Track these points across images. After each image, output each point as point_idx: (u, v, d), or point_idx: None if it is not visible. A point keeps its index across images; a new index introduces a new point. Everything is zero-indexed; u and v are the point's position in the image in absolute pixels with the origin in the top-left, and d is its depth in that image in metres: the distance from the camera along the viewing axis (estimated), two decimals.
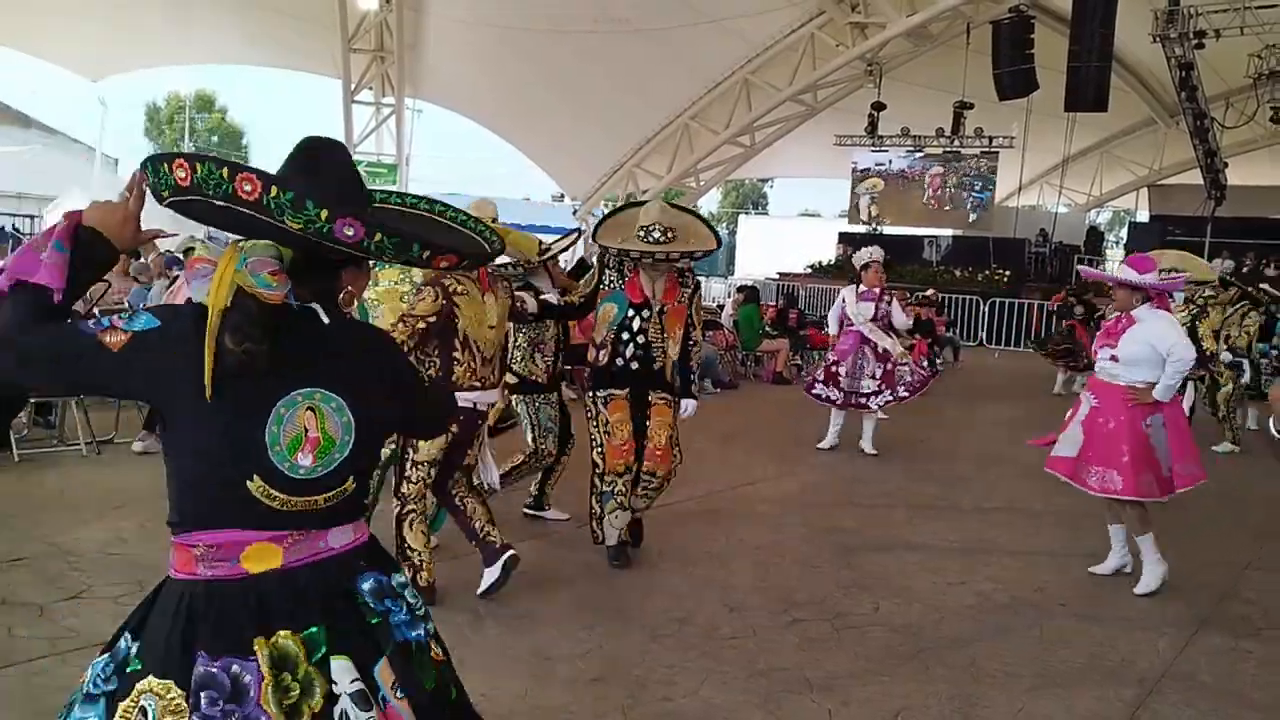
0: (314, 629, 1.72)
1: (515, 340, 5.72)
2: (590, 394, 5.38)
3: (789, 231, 38.02)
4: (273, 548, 1.74)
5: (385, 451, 4.82)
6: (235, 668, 1.67)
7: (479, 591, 4.63)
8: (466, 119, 29.13)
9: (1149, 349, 5.15)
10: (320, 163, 1.78)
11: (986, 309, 20.95)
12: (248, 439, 1.70)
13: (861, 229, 26.70)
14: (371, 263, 1.83)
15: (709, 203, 50.74)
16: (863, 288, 8.69)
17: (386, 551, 1.97)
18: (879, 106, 24.37)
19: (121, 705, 1.72)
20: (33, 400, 7.44)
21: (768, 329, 13.97)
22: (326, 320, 1.79)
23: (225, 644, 1.68)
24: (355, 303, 1.90)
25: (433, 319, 4.39)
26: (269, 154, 64.18)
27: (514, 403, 5.84)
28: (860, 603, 4.94)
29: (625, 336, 5.17)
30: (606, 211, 5.22)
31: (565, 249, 6.03)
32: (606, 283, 5.26)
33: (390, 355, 1.95)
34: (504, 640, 4.21)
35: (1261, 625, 4.94)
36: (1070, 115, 21.83)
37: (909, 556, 5.80)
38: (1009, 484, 7.91)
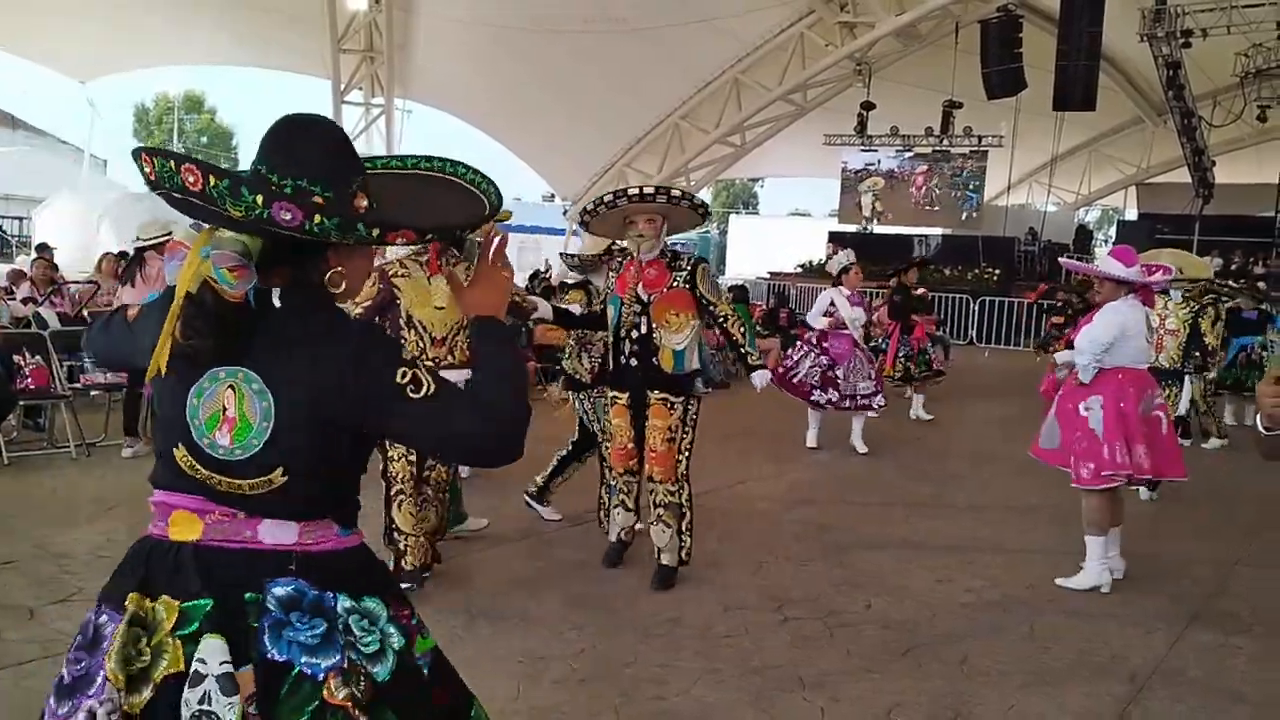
0: (201, 602, 1.66)
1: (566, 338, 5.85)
2: (594, 391, 5.58)
3: (779, 231, 38.05)
4: (195, 520, 1.73)
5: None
6: (104, 618, 1.69)
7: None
8: (456, 119, 29.10)
9: (1086, 338, 5.28)
10: (295, 141, 1.75)
11: (976, 308, 21.00)
12: (177, 409, 1.73)
13: (853, 228, 26.73)
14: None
15: None
16: (848, 291, 8.70)
17: (365, 578, 1.81)
18: (868, 106, 24.39)
19: None
20: (22, 403, 7.41)
21: (758, 328, 13.99)
22: (278, 304, 1.74)
23: (117, 596, 1.70)
24: (342, 285, 1.80)
25: (368, 303, 4.57)
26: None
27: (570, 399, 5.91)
28: (853, 601, 4.95)
29: (621, 334, 5.00)
30: (593, 202, 5.01)
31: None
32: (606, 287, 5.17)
33: (346, 348, 1.71)
34: (496, 640, 4.21)
35: (1251, 621, 4.96)
36: (1059, 114, 21.90)
37: (901, 554, 5.82)
38: (1000, 482, 7.93)
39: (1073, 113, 21.77)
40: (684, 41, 22.52)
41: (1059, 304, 14.45)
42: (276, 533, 1.73)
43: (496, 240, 1.92)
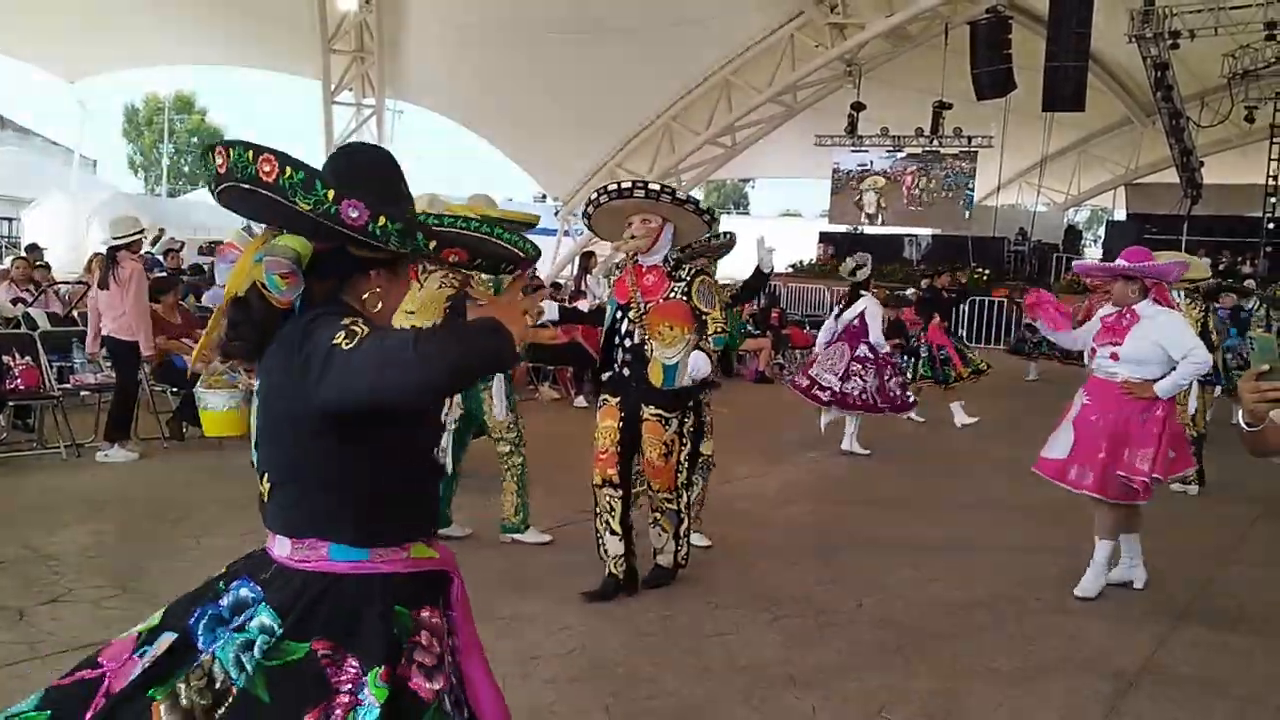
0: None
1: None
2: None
3: (770, 232, 37.89)
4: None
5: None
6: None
7: None
8: (448, 120, 29.07)
9: (1156, 349, 4.96)
10: (355, 164, 1.82)
11: (966, 308, 21.05)
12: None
13: (844, 229, 26.75)
14: (420, 270, 1.86)
15: None
16: (878, 298, 8.91)
17: (323, 618, 1.69)
18: (858, 107, 24.44)
19: None
20: (12, 404, 7.39)
21: (749, 328, 14.00)
22: (298, 308, 1.75)
23: None
24: (379, 305, 1.81)
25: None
26: None
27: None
28: (842, 599, 4.97)
29: (615, 340, 4.86)
30: (597, 191, 4.85)
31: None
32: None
33: (297, 332, 1.67)
34: (486, 640, 4.19)
35: (1238, 618, 5.00)
36: (1048, 115, 21.97)
37: (891, 553, 5.84)
38: (988, 480, 7.96)
39: (1062, 113, 21.84)
40: (674, 42, 22.54)
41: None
42: (279, 546, 1.76)
43: (519, 277, 1.96)
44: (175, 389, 8.01)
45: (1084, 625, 4.78)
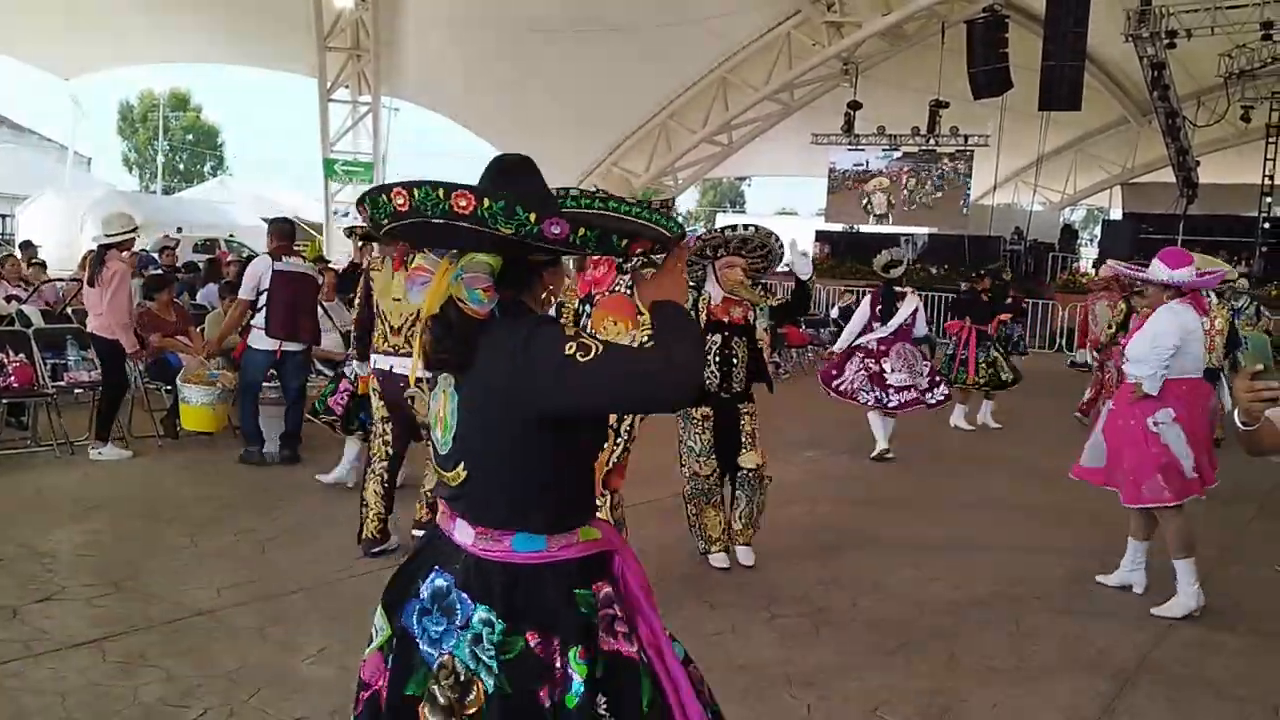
0: (395, 578, 2.03)
1: None
2: None
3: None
4: (443, 508, 2.01)
5: None
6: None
7: None
8: (444, 118, 29.05)
9: (1143, 345, 5.00)
10: (513, 177, 1.95)
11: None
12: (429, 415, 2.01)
13: (839, 227, 26.74)
14: (570, 262, 1.97)
15: (687, 201, 50.84)
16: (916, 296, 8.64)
17: (520, 599, 1.88)
18: (855, 105, 24.44)
19: None
20: (5, 401, 7.35)
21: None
22: (498, 315, 1.90)
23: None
24: (550, 301, 2.03)
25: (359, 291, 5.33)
26: (245, 152, 63.74)
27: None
28: (840, 598, 4.96)
29: None
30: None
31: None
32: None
33: (518, 339, 1.84)
34: None
35: (1236, 617, 4.98)
36: (1044, 114, 21.97)
37: (889, 552, 5.83)
38: (986, 479, 7.95)
39: (1058, 112, 21.85)
40: (671, 41, 22.54)
41: (1010, 300, 14.72)
42: (461, 532, 1.92)
43: (682, 247, 2.05)
44: (169, 387, 7.98)
45: (1082, 625, 4.77)
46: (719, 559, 5.28)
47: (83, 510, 5.82)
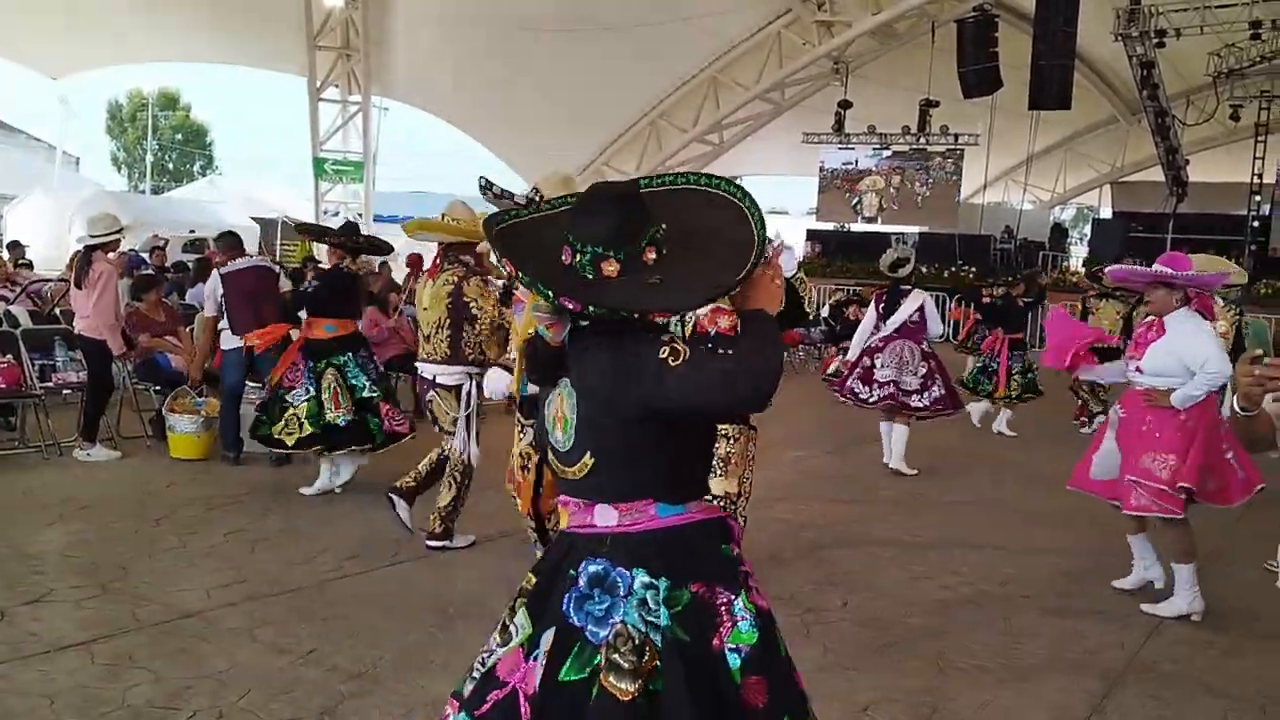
0: (533, 577, 2.16)
1: None
2: None
3: None
4: (565, 511, 2.17)
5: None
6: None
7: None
8: (434, 117, 29.00)
9: (1176, 363, 4.75)
10: (595, 211, 2.10)
11: (953, 305, 21.09)
12: (541, 423, 2.20)
13: (830, 226, 26.76)
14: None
15: None
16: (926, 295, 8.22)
17: (673, 558, 2.05)
18: (845, 104, 24.47)
19: None
20: None
21: None
22: (584, 324, 2.12)
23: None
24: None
25: None
26: (235, 152, 63.54)
27: None
28: (829, 598, 4.96)
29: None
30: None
31: None
32: None
33: (616, 343, 2.06)
34: (474, 639, 4.17)
35: (1225, 616, 4.99)
36: (1034, 113, 22.02)
37: (878, 552, 5.83)
38: (975, 479, 7.97)
39: (1048, 111, 21.90)
40: (661, 40, 22.54)
41: (985, 300, 14.81)
42: (604, 516, 2.08)
43: (773, 255, 2.24)
44: (158, 388, 7.95)
45: (1071, 624, 4.79)
46: None
47: (71, 511, 5.80)
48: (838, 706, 3.75)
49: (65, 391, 7.77)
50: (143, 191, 43.99)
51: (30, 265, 12.31)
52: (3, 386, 7.15)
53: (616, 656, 1.95)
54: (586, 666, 1.98)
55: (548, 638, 2.03)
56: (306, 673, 3.82)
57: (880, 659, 4.24)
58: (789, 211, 49.36)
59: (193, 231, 22.69)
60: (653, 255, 2.07)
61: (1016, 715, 3.81)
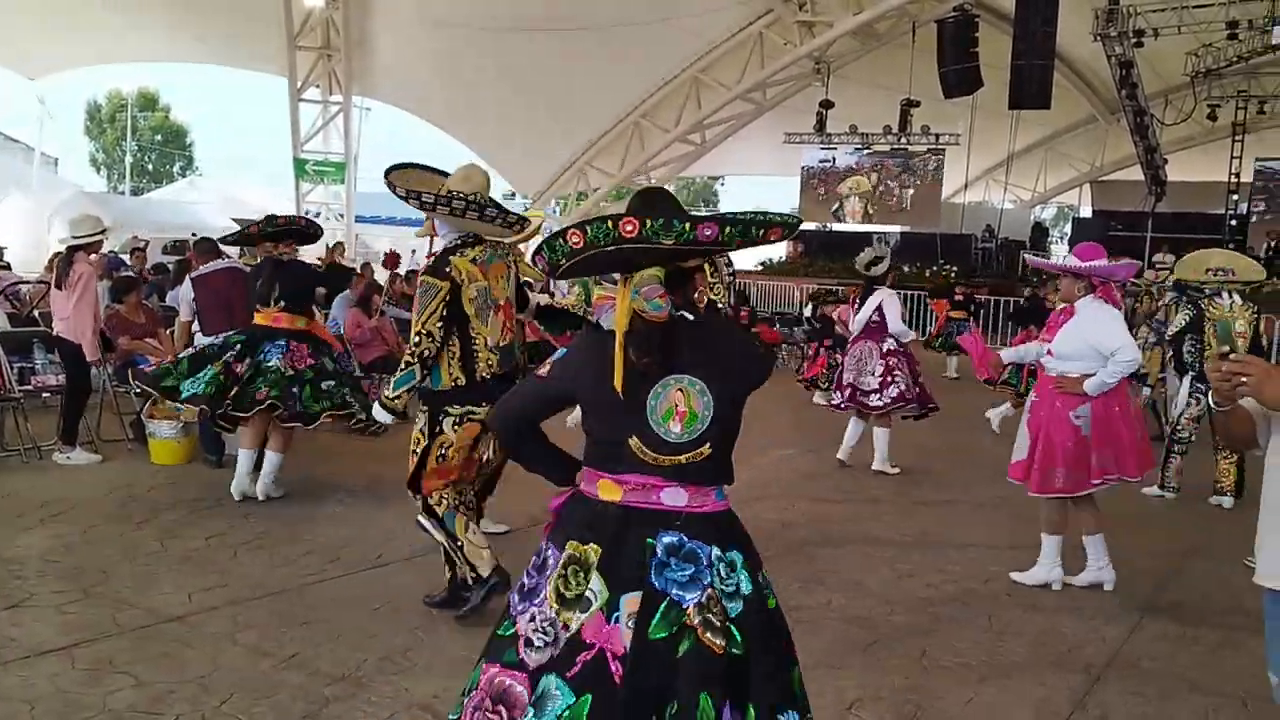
0: (603, 548, 2.25)
1: None
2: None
3: None
4: (615, 487, 2.29)
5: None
6: (549, 552, 2.33)
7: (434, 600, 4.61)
8: (416, 118, 28.89)
9: (1085, 345, 5.02)
10: (656, 201, 2.42)
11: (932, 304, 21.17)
12: (633, 411, 2.27)
13: (813, 225, 26.82)
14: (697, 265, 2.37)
15: None
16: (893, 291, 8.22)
17: (735, 531, 2.34)
18: (827, 104, 24.54)
19: None
20: None
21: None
22: (691, 318, 2.32)
23: (558, 538, 2.33)
24: (702, 299, 2.41)
25: None
26: (215, 152, 63.19)
27: None
28: (813, 596, 4.97)
29: None
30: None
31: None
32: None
33: (735, 338, 2.43)
34: (457, 641, 4.18)
35: (1205, 612, 5.04)
36: (1014, 112, 22.14)
37: (861, 550, 5.85)
38: (959, 477, 8.00)
39: (1028, 111, 22.02)
40: (643, 40, 22.54)
41: (959, 298, 15.06)
42: (672, 497, 2.27)
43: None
44: (138, 390, 7.90)
45: (1054, 621, 4.81)
46: None
47: (51, 515, 5.76)
48: (823, 704, 3.75)
49: (45, 395, 7.70)
50: (122, 193, 43.68)
51: (8, 267, 12.21)
52: None
53: (710, 616, 2.19)
54: (674, 625, 2.18)
55: (629, 601, 2.19)
56: (289, 676, 3.80)
57: (866, 657, 4.25)
58: (770, 210, 49.44)
59: (193, 235, 22.51)
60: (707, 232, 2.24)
61: (1000, 712, 3.83)
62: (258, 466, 6.57)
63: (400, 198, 4.40)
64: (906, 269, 22.97)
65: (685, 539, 2.26)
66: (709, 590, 2.22)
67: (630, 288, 2.24)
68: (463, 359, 4.37)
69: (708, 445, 2.29)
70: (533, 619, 2.26)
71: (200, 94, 71.16)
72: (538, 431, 2.56)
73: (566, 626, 2.21)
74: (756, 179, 46.64)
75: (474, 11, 21.60)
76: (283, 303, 6.25)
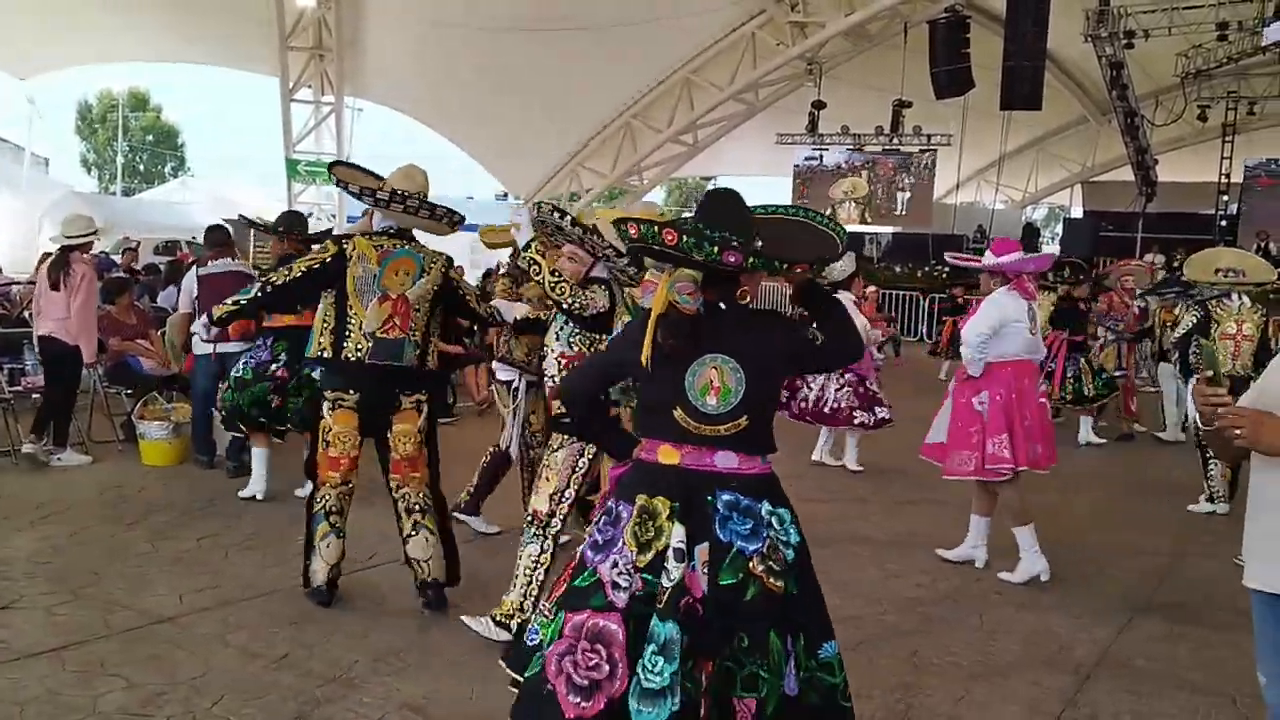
0: (675, 503, 2.57)
1: None
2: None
3: None
4: (674, 452, 2.63)
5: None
6: (621, 507, 2.64)
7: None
8: (408, 118, 28.85)
9: (976, 328, 5.41)
10: (718, 207, 2.71)
11: (926, 304, 21.23)
12: (676, 385, 2.62)
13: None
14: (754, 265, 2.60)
15: (652, 201, 50.77)
16: (852, 297, 7.96)
17: (778, 492, 2.68)
18: (819, 105, 24.55)
19: None
20: None
21: None
22: (724, 308, 2.65)
23: (627, 494, 2.65)
24: (749, 300, 2.69)
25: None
26: (207, 153, 63.02)
27: None
28: None
29: None
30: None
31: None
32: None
33: (778, 327, 2.73)
34: (448, 642, 4.18)
35: (1195, 610, 5.06)
36: (1006, 113, 22.18)
37: (851, 549, 5.86)
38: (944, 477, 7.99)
39: (1019, 112, 22.06)
40: (635, 41, 22.53)
41: (959, 302, 14.98)
42: (725, 460, 2.62)
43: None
44: (129, 390, 7.89)
45: (1043, 620, 4.83)
46: None
47: (41, 517, 5.74)
48: None
49: (35, 395, 7.68)
50: (113, 193, 43.54)
51: None
52: None
53: (771, 563, 2.55)
54: (740, 572, 2.52)
55: (701, 550, 2.53)
56: (281, 677, 3.80)
57: (855, 656, 4.24)
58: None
59: (193, 238, 22.43)
60: (759, 244, 2.61)
61: (991, 710, 3.84)
62: (245, 468, 6.61)
63: (354, 194, 4.54)
64: (899, 269, 23.07)
65: (740, 497, 2.59)
66: (768, 540, 2.57)
67: (669, 280, 2.60)
68: (334, 332, 4.45)
69: (745, 417, 2.61)
70: (615, 565, 2.56)
71: (192, 94, 71.00)
72: (603, 405, 3.10)
73: (648, 569, 2.53)
74: (749, 180, 46.67)
75: (466, 12, 21.58)
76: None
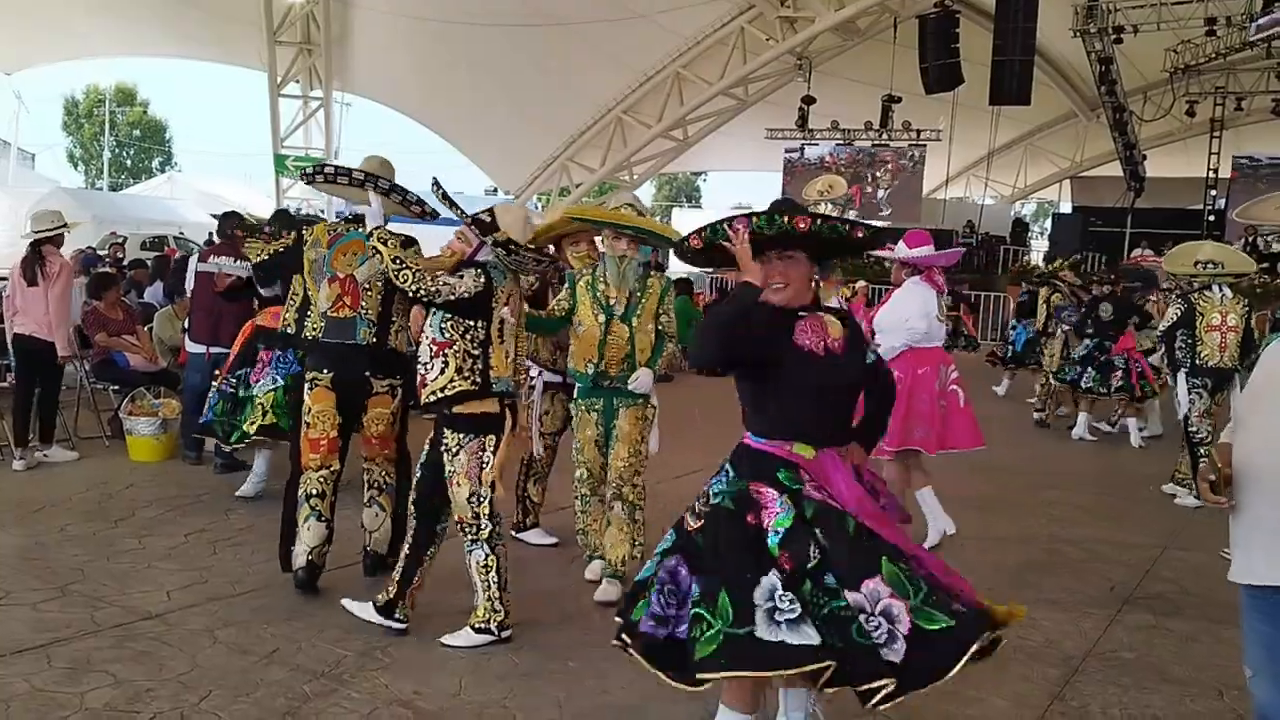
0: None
1: None
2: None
3: None
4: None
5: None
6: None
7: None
8: (397, 112, 28.80)
9: (892, 321, 5.67)
10: (774, 203, 3.11)
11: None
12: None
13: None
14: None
15: (642, 196, 50.75)
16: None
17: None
18: (809, 100, 24.57)
19: None
20: None
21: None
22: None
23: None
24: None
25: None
26: (194, 147, 62.77)
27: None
28: None
29: None
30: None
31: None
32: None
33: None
34: (439, 635, 4.17)
35: (1181, 603, 5.09)
36: (995, 108, 22.24)
37: None
38: (934, 472, 8.01)
39: (1009, 107, 22.12)
40: (625, 36, 22.53)
41: (966, 292, 14.92)
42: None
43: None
44: (116, 387, 7.85)
45: (1032, 613, 4.81)
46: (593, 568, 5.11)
47: (28, 513, 5.71)
48: (802, 698, 3.76)
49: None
50: (100, 188, 43.38)
51: None
52: None
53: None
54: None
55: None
56: (269, 673, 3.79)
57: None
58: (754, 207, 49.51)
59: (180, 232, 22.32)
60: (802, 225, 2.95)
61: (978, 704, 3.85)
62: (233, 464, 6.59)
63: (358, 181, 4.56)
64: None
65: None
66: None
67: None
68: (299, 310, 4.75)
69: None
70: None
71: (179, 89, 70.84)
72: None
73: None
74: (739, 175, 46.71)
75: (455, 7, 21.55)
76: None
